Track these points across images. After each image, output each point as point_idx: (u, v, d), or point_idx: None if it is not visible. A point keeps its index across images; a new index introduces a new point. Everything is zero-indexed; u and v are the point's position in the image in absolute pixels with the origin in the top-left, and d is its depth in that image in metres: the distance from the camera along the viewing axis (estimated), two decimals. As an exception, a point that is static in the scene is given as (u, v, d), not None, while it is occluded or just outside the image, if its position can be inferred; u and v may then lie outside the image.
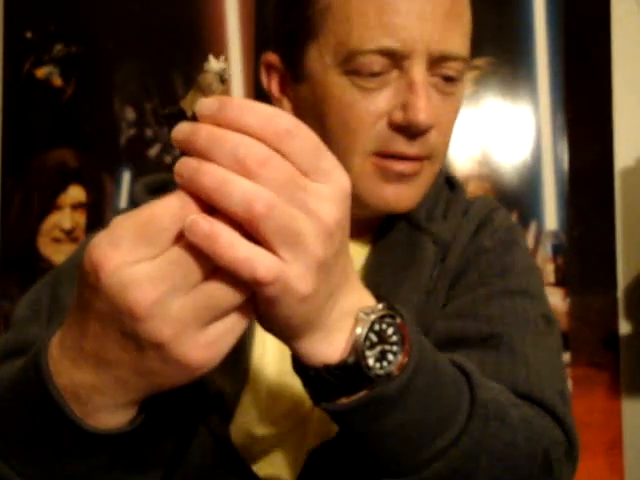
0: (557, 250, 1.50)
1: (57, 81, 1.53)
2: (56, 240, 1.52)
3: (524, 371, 0.59)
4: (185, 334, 0.36)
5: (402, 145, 0.61)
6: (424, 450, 0.46)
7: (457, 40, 0.62)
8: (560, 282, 1.50)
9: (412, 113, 0.59)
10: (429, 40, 0.59)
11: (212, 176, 0.35)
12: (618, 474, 1.45)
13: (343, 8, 0.60)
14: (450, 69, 0.62)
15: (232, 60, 1.50)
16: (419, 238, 0.67)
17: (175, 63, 1.50)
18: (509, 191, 1.50)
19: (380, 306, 0.43)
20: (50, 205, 1.53)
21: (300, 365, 0.43)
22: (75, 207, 1.53)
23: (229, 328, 0.37)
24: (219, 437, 0.60)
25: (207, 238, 0.34)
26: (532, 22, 1.52)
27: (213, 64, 0.38)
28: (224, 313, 0.37)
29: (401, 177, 0.62)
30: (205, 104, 0.36)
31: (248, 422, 0.62)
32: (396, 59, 0.59)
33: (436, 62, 0.61)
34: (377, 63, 0.59)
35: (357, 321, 0.42)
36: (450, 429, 0.47)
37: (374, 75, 0.60)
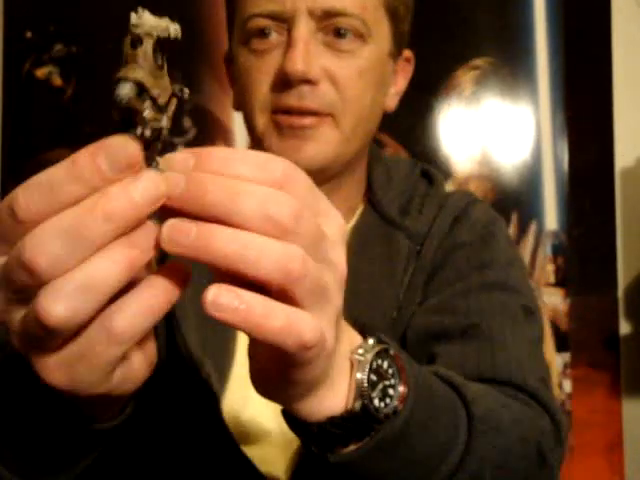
0: (557, 250, 1.50)
1: (57, 81, 1.53)
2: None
3: (504, 358, 0.59)
4: (33, 352, 0.32)
5: (291, 99, 0.63)
6: None
7: None
8: (560, 282, 1.50)
9: (285, 63, 0.62)
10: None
11: (233, 241, 0.31)
12: (618, 474, 1.45)
13: None
14: (340, 24, 0.64)
15: (232, 60, 1.50)
16: (392, 234, 0.68)
17: (175, 63, 1.50)
18: (509, 191, 1.50)
19: (371, 342, 0.41)
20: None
21: (297, 424, 0.41)
22: (75, 207, 1.53)
23: (83, 352, 0.32)
24: (210, 417, 0.61)
25: (239, 313, 0.31)
26: (532, 22, 1.52)
27: (134, 19, 0.32)
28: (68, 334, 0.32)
29: (294, 131, 0.64)
30: (174, 162, 0.32)
31: (234, 405, 0.63)
32: (283, 21, 0.63)
33: (323, 20, 0.63)
34: (264, 25, 0.63)
35: (354, 363, 0.40)
36: (453, 453, 0.46)
37: (263, 37, 0.64)
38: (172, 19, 0.37)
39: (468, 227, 0.69)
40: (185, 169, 0.32)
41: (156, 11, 0.37)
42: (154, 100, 0.33)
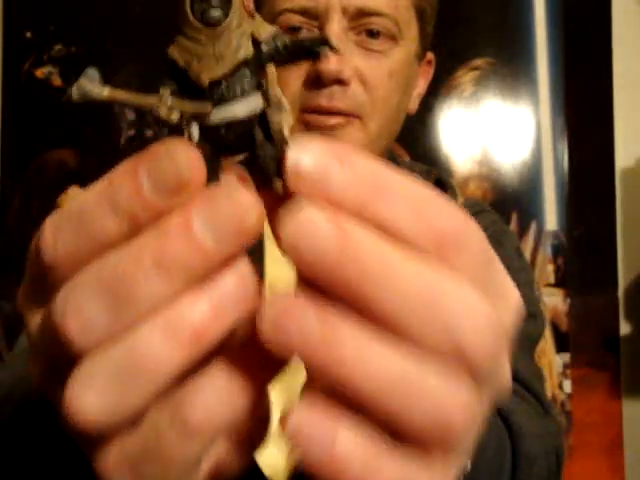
0: (557, 250, 1.50)
1: (57, 81, 1.53)
2: (56, 240, 1.52)
3: None
4: (85, 445, 0.24)
5: (322, 98, 0.61)
6: None
7: None
8: (560, 282, 1.50)
9: (319, 61, 0.60)
10: None
11: (383, 369, 0.20)
12: (618, 474, 1.45)
13: None
14: (373, 24, 0.62)
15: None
16: None
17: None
18: (509, 191, 1.50)
19: None
20: (50, 205, 1.53)
21: None
22: (75, 207, 1.53)
23: (149, 447, 0.23)
24: None
25: (323, 455, 0.20)
26: (532, 22, 1.52)
27: None
28: None
29: (322, 131, 0.62)
30: (304, 176, 0.21)
31: None
32: (313, 16, 0.62)
33: (356, 18, 0.62)
34: (296, 21, 0.62)
35: None
36: None
37: (293, 34, 0.62)
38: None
39: None
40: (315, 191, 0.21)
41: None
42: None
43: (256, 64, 0.23)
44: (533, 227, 1.50)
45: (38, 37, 1.53)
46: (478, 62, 1.51)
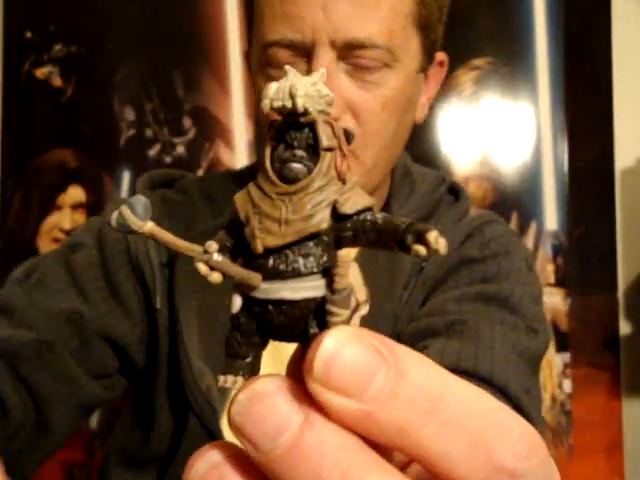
0: (557, 250, 1.50)
1: (57, 81, 1.53)
2: (56, 240, 1.52)
3: (488, 355, 0.56)
4: None
5: None
6: None
7: (369, 27, 0.59)
8: (560, 282, 1.50)
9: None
10: (331, 29, 0.58)
11: None
12: (618, 474, 1.45)
13: (259, 3, 0.63)
14: (363, 57, 0.59)
15: (231, 61, 1.50)
16: None
17: (175, 63, 1.50)
18: (509, 191, 1.50)
19: None
20: (50, 205, 1.53)
21: None
22: (75, 207, 1.53)
23: None
24: (210, 430, 0.60)
25: None
26: (532, 22, 1.52)
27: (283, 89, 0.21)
28: None
29: None
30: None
31: None
32: (301, 50, 0.59)
33: (346, 50, 0.59)
34: (283, 54, 0.60)
35: None
36: None
37: (282, 68, 0.60)
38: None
39: (479, 244, 0.66)
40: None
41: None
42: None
43: (330, 241, 0.19)
44: (533, 227, 1.50)
45: (38, 37, 1.53)
46: (478, 62, 1.51)
